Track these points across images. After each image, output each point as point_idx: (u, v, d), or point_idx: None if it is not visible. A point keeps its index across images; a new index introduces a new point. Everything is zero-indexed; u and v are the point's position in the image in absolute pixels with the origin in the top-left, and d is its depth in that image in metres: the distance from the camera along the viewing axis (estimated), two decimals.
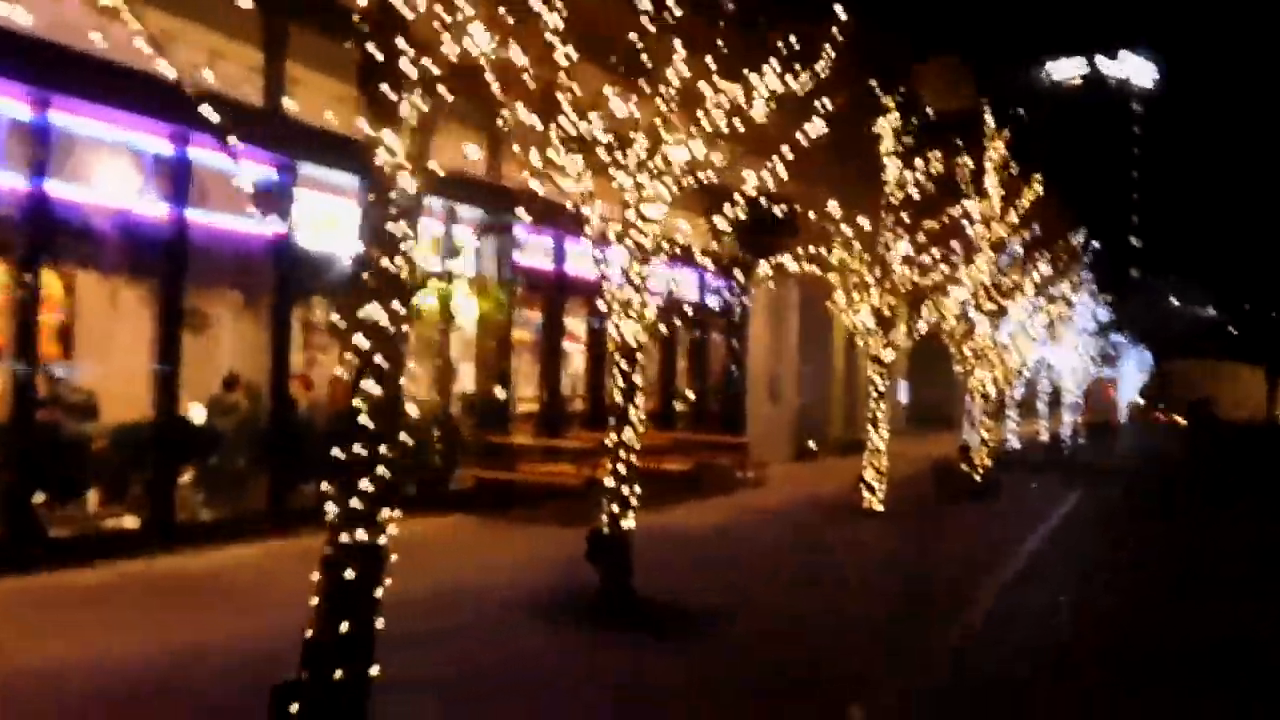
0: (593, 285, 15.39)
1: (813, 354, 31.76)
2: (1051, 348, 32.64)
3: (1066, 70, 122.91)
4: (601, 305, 8.24)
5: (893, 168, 14.41)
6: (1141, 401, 71.26)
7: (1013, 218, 17.90)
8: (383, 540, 4.45)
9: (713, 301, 19.71)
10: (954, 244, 17.02)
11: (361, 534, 4.33)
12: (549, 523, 11.88)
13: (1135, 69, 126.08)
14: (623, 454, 8.12)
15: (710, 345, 20.20)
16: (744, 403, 20.59)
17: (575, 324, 15.67)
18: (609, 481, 8.15)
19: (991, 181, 17.83)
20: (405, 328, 4.47)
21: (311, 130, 9.96)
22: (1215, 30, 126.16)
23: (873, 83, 14.50)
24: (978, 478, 17.59)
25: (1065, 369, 35.48)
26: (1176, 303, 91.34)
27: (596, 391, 15.64)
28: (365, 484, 4.31)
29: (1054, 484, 20.74)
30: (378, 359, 4.38)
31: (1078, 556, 12.59)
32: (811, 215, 14.66)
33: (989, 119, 17.94)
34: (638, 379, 8.22)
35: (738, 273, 19.41)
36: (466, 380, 13.41)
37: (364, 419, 4.34)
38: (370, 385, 4.34)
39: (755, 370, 21.27)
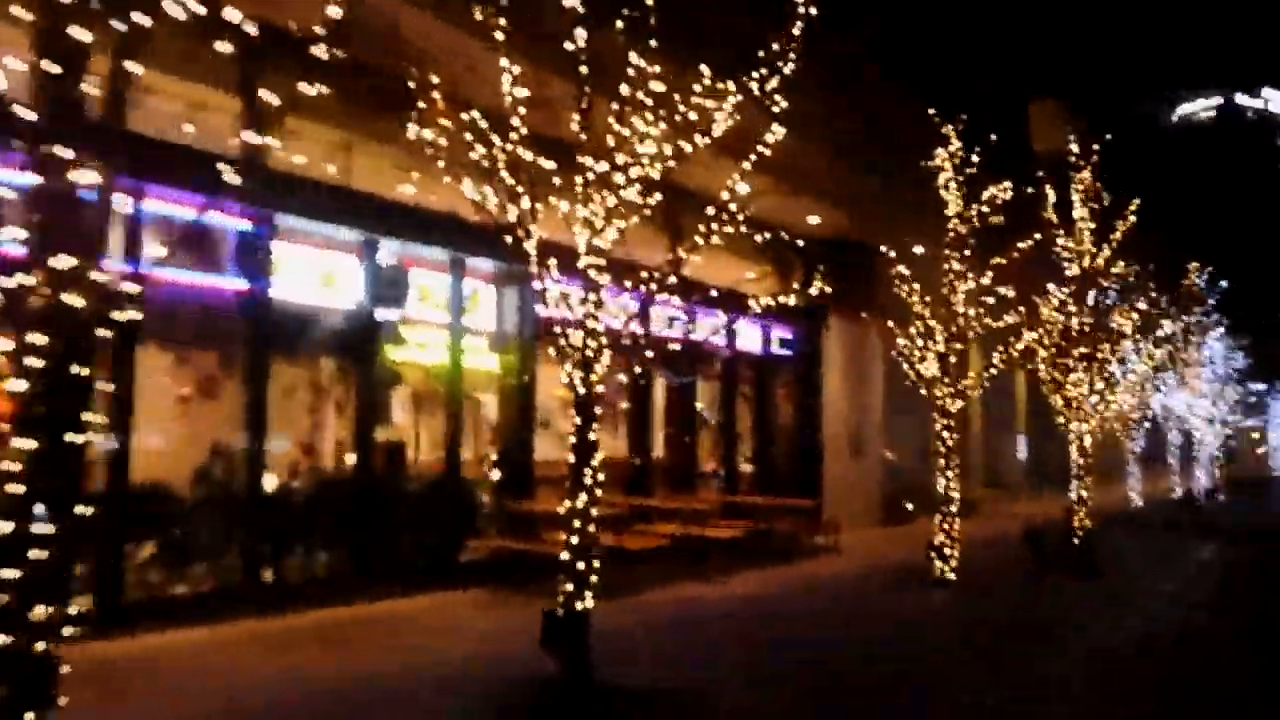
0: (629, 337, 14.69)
1: (912, 406, 30.13)
2: (1182, 396, 30.09)
3: (1197, 105, 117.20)
4: (553, 350, 7.24)
5: (953, 200, 13.11)
6: None
7: (1106, 253, 16.19)
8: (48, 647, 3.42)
9: (778, 350, 18.52)
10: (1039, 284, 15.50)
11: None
12: None
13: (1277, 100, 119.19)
14: (577, 523, 7.05)
15: (777, 399, 18.92)
16: (819, 461, 19.14)
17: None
18: (564, 555, 7.10)
19: (1080, 214, 16.22)
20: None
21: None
22: None
23: (931, 111, 13.31)
24: (1076, 542, 15.73)
25: (1199, 419, 32.62)
26: None
27: (641, 454, 14.61)
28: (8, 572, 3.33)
29: (1174, 550, 18.57)
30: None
31: (1170, 660, 9.63)
32: (883, 253, 13.45)
33: (1074, 147, 16.38)
34: (593, 435, 7.15)
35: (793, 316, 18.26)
36: (487, 444, 12.59)
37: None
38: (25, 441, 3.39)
39: (832, 425, 19.84)
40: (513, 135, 6.83)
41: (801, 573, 13.71)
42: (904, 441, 31.04)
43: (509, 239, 6.97)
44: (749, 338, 17.75)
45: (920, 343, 13.18)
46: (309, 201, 9.68)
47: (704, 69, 7.01)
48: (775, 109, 7.37)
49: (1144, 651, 9.61)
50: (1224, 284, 29.71)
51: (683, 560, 12.62)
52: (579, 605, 7.02)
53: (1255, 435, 55.32)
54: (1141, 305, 17.62)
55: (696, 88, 7.03)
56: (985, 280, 12.97)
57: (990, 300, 13.31)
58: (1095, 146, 16.26)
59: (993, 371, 13.09)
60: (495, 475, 12.02)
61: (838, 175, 17.26)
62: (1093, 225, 16.58)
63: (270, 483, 9.59)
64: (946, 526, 13.01)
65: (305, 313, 9.99)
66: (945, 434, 13.15)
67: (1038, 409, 30.72)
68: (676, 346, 12.26)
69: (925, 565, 13.22)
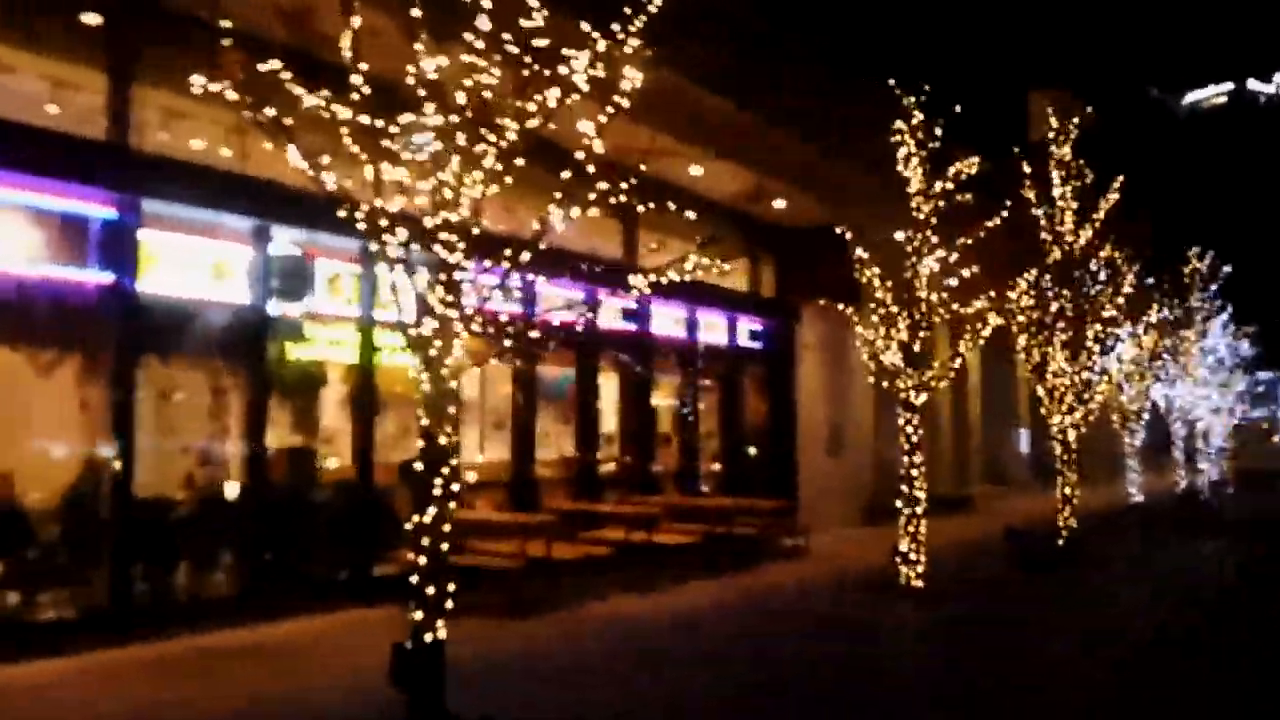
0: (579, 330, 13.76)
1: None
2: (1185, 386, 28.95)
3: (1208, 92, 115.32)
4: (401, 340, 6.35)
5: (915, 177, 12.15)
6: None
7: (1088, 234, 15.22)
8: None
9: (747, 344, 17.57)
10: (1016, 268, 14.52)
11: None
12: (490, 613, 9.94)
13: None
14: (426, 541, 6.15)
15: (747, 395, 17.97)
16: (793, 460, 18.17)
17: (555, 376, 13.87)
18: (413, 579, 6.19)
19: (1060, 192, 15.26)
20: None
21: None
22: None
23: (890, 81, 12.37)
24: (1060, 542, 14.77)
25: (1204, 410, 31.42)
26: None
27: (588, 455, 13.70)
28: None
29: (1168, 547, 17.54)
30: None
31: (1142, 670, 8.71)
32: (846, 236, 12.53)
33: (1053, 121, 15.41)
34: (444, 439, 6.25)
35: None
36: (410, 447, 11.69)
37: None
38: None
39: (808, 422, 18.87)
40: (353, 94, 5.91)
41: (759, 581, 12.75)
42: (896, 436, 30.06)
43: (354, 213, 6.05)
44: (715, 330, 16.81)
45: (882, 330, 12.25)
46: (186, 186, 8.82)
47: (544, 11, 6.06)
48: (639, 52, 6.40)
49: (1118, 665, 8.65)
50: (1227, 269, 28.55)
51: (627, 570, 11.71)
52: (430, 635, 6.10)
53: (1265, 426, 54.02)
54: (1129, 289, 16.53)
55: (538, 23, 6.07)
56: (952, 259, 12.00)
57: (955, 283, 12.36)
58: (1075, 120, 15.28)
59: (958, 362, 12.11)
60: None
61: (812, 159, 16.35)
62: (1075, 205, 15.62)
63: (149, 494, 8.70)
64: (912, 530, 12.04)
65: (186, 308, 9.10)
66: (909, 429, 12.17)
67: (1040, 401, 29.78)
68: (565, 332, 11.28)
69: (896, 571, 12.29)
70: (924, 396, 12.17)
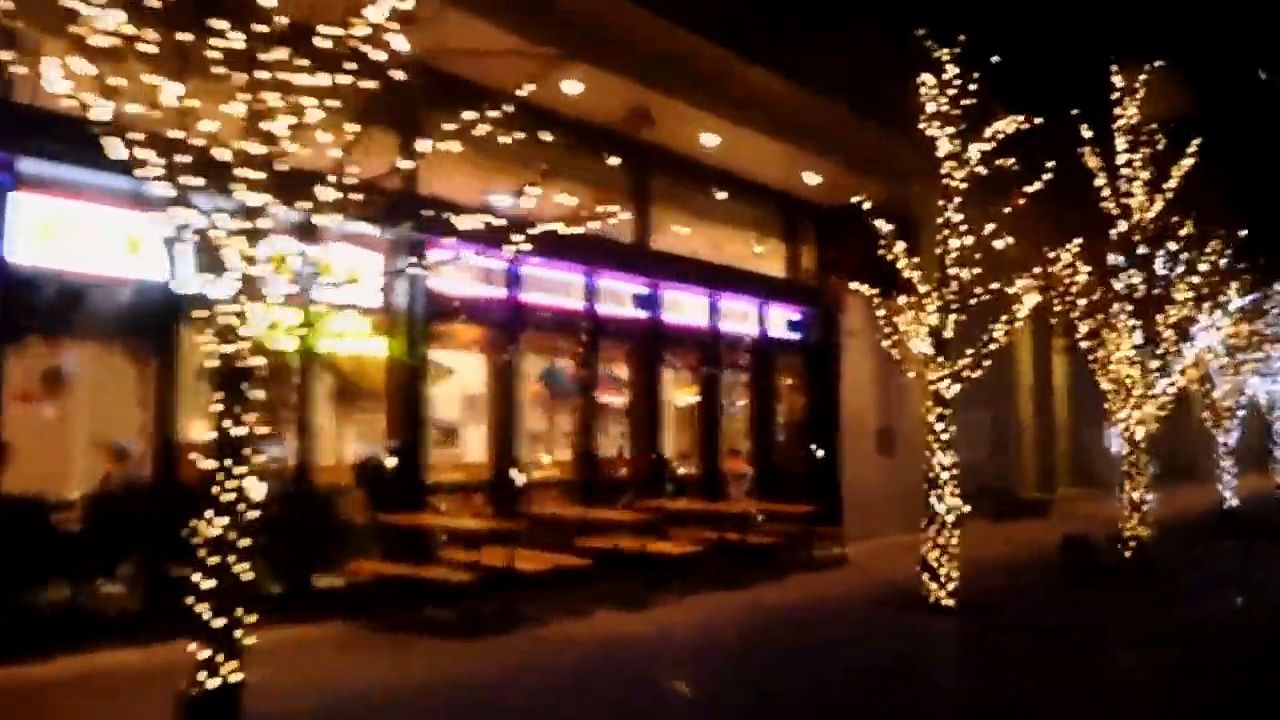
0: (563, 316, 12.55)
1: (984, 396, 27.24)
2: None
3: None
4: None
5: (945, 139, 10.67)
6: None
7: (1159, 204, 13.45)
8: None
9: (784, 334, 16.15)
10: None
11: None
12: (447, 634, 8.84)
13: None
14: (214, 560, 5.00)
15: (784, 390, 16.56)
16: (835, 461, 16.66)
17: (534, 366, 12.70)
18: (201, 610, 5.03)
19: (1125, 159, 13.53)
20: None
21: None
22: None
23: (920, 32, 10.89)
24: (1128, 555, 13.05)
25: None
26: None
27: (587, 456, 12.48)
28: None
29: (1262, 558, 15.59)
30: None
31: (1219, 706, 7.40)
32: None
33: (1116, 80, 13.67)
34: (241, 429, 5.11)
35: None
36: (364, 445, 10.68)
37: None
38: None
39: (854, 418, 17.30)
40: None
41: (774, 596, 11.37)
42: (973, 436, 28.20)
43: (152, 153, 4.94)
44: (744, 318, 15.44)
45: (910, 315, 10.81)
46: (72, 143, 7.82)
47: None
48: None
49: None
50: None
51: (617, 583, 10.48)
52: (220, 680, 4.94)
53: None
54: (1204, 268, 14.61)
55: None
56: (987, 231, 10.48)
57: (989, 258, 10.83)
58: (1141, 77, 13.51)
59: (992, 347, 10.55)
60: (372, 483, 10.04)
61: (864, 132, 14.90)
62: (1145, 175, 13.85)
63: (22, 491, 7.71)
64: (941, 541, 10.55)
65: (82, 282, 8.13)
66: (939, 425, 10.68)
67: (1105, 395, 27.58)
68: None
69: (964, 580, 10.85)
70: (956, 387, 10.68)
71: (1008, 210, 10.48)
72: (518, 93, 6.21)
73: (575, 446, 12.51)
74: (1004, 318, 10.49)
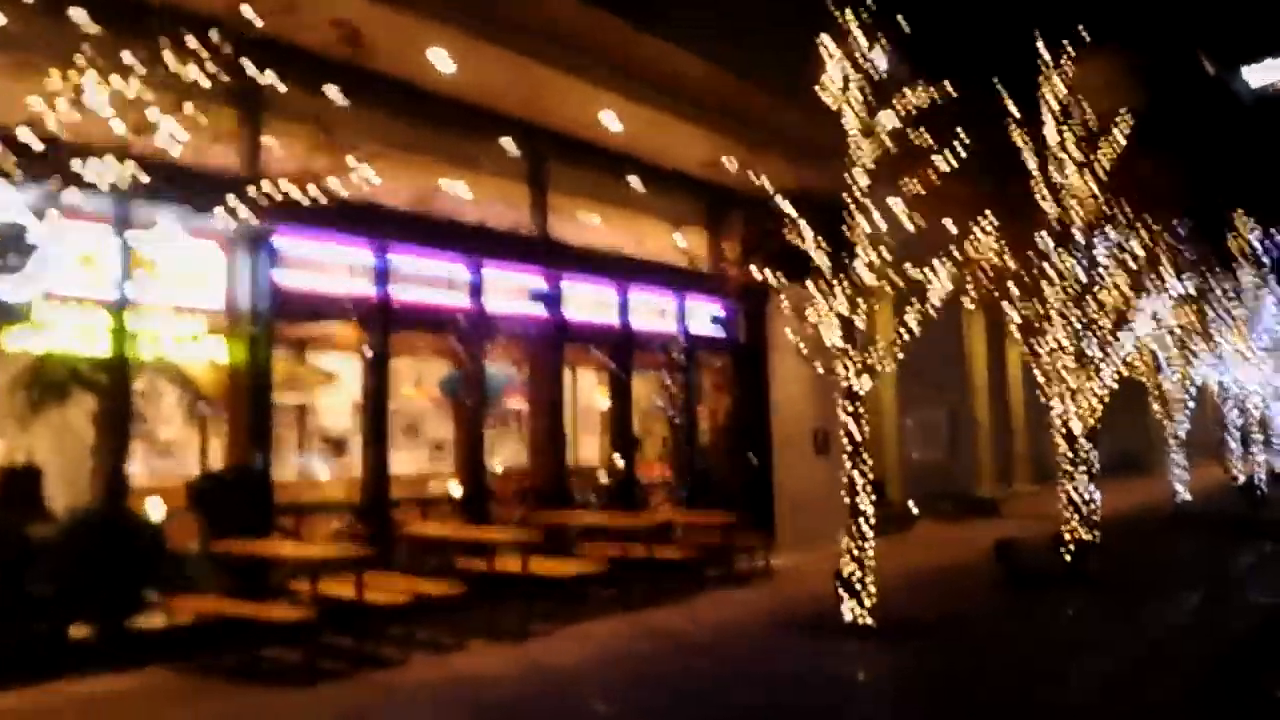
0: (446, 314, 11.42)
1: (934, 396, 26.43)
2: (1239, 369, 25.87)
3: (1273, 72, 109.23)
4: None
5: (852, 111, 9.69)
6: None
7: (1089, 183, 12.56)
8: None
9: (709, 331, 15.12)
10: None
11: None
12: (280, 680, 7.70)
13: None
14: None
15: (705, 390, 15.53)
16: (764, 464, 15.64)
17: (414, 371, 11.61)
18: None
19: (1053, 137, 12.63)
20: None
21: None
22: None
23: None
24: (1067, 558, 12.12)
25: (1263, 395, 28.19)
26: None
27: (476, 468, 11.35)
28: None
29: (1212, 556, 14.74)
30: None
31: None
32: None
33: (1043, 53, 12.78)
34: None
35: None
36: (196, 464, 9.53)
37: None
38: None
39: (787, 419, 16.28)
40: None
41: (680, 618, 10.29)
42: (928, 435, 27.38)
43: None
44: (661, 315, 14.39)
45: (821, 303, 9.82)
46: None
47: None
48: None
49: None
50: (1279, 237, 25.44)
51: (495, 610, 9.39)
52: None
53: None
54: (1141, 251, 13.75)
55: None
56: (898, 210, 9.51)
57: (913, 244, 9.88)
58: (1068, 47, 12.62)
59: (905, 337, 9.58)
60: (211, 507, 8.86)
61: (783, 111, 13.88)
62: (1077, 155, 12.97)
63: None
64: (857, 551, 9.55)
65: None
66: (852, 423, 9.68)
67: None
68: None
69: (885, 593, 9.88)
70: (868, 382, 9.69)
71: (921, 187, 9.50)
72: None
73: (463, 458, 11.38)
74: (917, 305, 9.51)
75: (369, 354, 10.30)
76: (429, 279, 10.97)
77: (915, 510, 20.28)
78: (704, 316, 15.15)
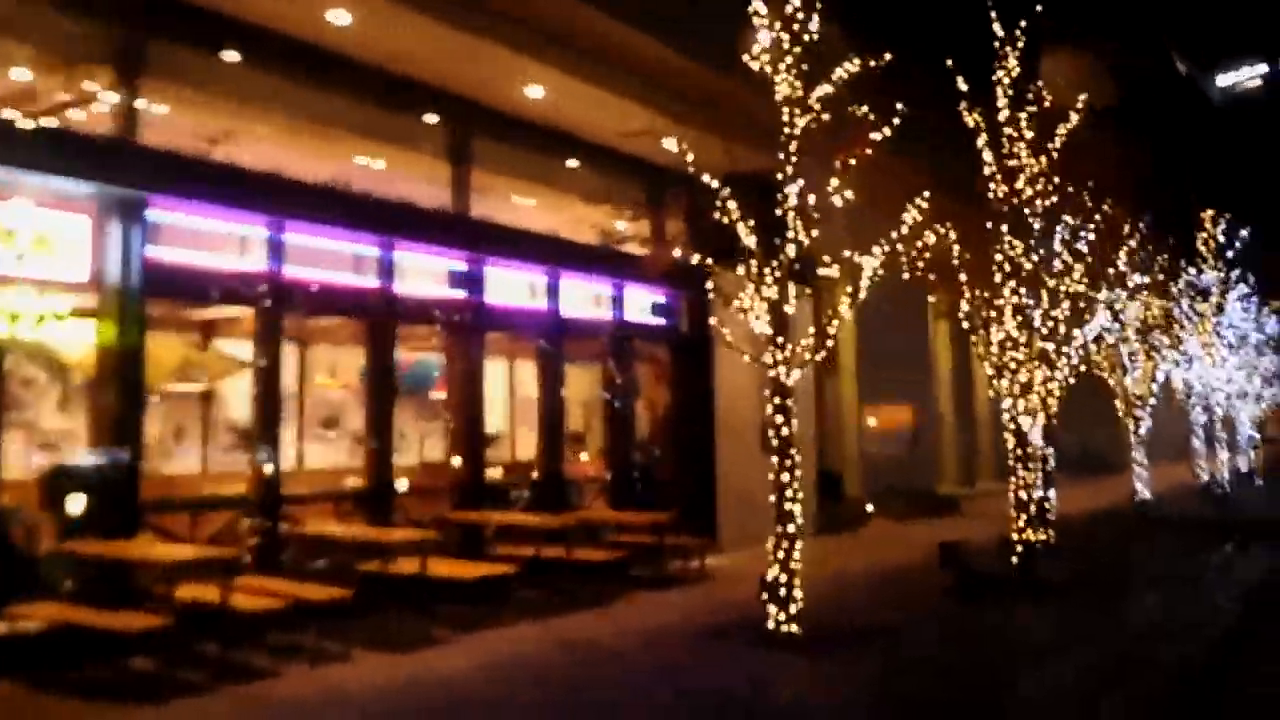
0: (351, 295, 10.63)
1: (898, 392, 25.91)
2: (1203, 368, 25.46)
3: (1241, 74, 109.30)
4: None
5: (785, 82, 8.99)
6: None
7: (1040, 164, 11.92)
8: None
9: (648, 319, 14.40)
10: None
11: None
12: (130, 696, 6.93)
13: None
14: None
15: (646, 385, 14.83)
16: (709, 462, 14.93)
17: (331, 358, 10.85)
18: None
19: (1006, 117, 12.00)
20: None
21: None
22: None
23: None
24: (1015, 563, 11.50)
25: (1227, 395, 27.82)
26: None
27: (382, 463, 10.57)
28: None
29: (1170, 559, 14.18)
30: None
31: None
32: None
33: (997, 29, 12.14)
34: None
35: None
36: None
37: None
38: None
39: (731, 416, 15.59)
40: None
41: (595, 626, 9.54)
42: (886, 430, 26.79)
43: None
44: (595, 302, 13.68)
45: (751, 290, 9.13)
46: None
47: None
48: None
49: None
50: (1244, 234, 25.03)
51: (393, 616, 8.66)
52: None
53: None
54: (1091, 237, 13.13)
55: None
56: (831, 187, 8.82)
57: (854, 228, 9.22)
58: (1022, 23, 11.98)
59: (836, 324, 8.90)
60: (66, 503, 8.05)
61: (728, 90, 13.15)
62: (1030, 136, 12.34)
63: None
64: (783, 556, 8.86)
65: None
66: (779, 419, 9.00)
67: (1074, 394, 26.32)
68: None
69: (819, 598, 9.23)
70: (797, 374, 9.01)
71: (856, 162, 8.82)
72: None
73: (373, 452, 10.60)
74: (849, 290, 8.83)
75: (263, 337, 9.50)
76: (334, 258, 10.18)
77: (870, 508, 19.71)
78: (645, 305, 14.44)
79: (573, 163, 13.59)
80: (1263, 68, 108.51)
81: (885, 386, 24.28)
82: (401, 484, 10.83)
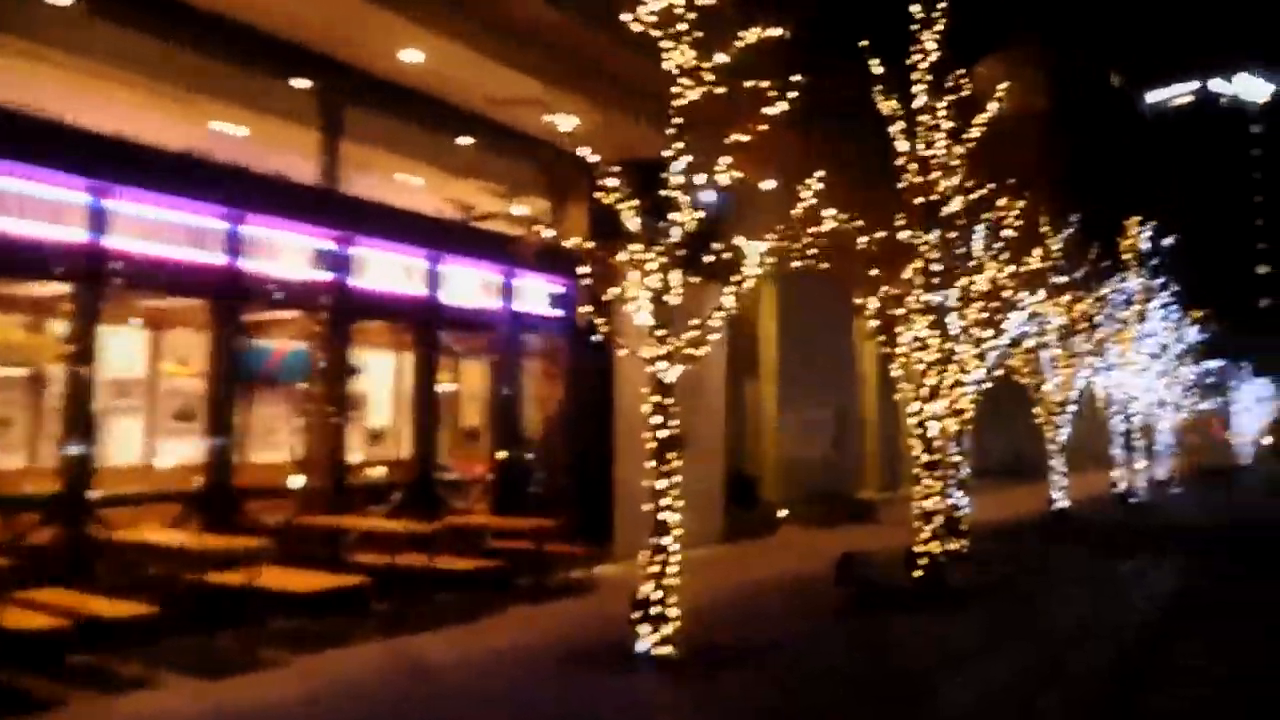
0: (186, 272, 9.53)
1: (820, 393, 25.24)
2: (1123, 375, 25.33)
3: (1173, 91, 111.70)
4: None
5: (677, 51, 8.15)
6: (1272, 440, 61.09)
7: (958, 153, 11.25)
8: None
9: (539, 310, 13.46)
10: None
11: None
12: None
13: (1248, 87, 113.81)
14: None
15: (535, 379, 13.90)
16: (607, 464, 14.02)
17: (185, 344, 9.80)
18: None
19: (922, 103, 11.32)
20: None
21: None
22: None
23: None
24: (917, 575, 10.81)
25: (1147, 403, 27.81)
26: None
27: (219, 461, 9.50)
28: None
29: (1082, 569, 13.72)
30: None
31: None
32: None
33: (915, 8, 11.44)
34: None
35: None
36: None
37: None
38: None
39: (632, 415, 14.61)
40: None
41: (450, 647, 8.56)
42: (811, 433, 26.14)
43: None
44: (488, 290, 12.71)
45: (637, 278, 8.29)
46: None
47: None
48: None
49: None
50: (1168, 241, 24.94)
51: (229, 633, 7.64)
52: None
53: (1218, 420, 50.62)
54: (1010, 233, 12.53)
55: None
56: (722, 167, 8.00)
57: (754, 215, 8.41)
58: (941, 5, 11.29)
59: (720, 316, 8.09)
60: None
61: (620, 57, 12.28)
62: (949, 125, 11.68)
63: None
64: (657, 570, 8.01)
65: None
66: (658, 419, 8.16)
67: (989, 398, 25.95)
68: None
69: (708, 613, 8.40)
70: (677, 369, 8.17)
71: (747, 138, 8.00)
72: None
73: (214, 450, 9.52)
74: (733, 279, 8.01)
75: (80, 316, 8.40)
76: (173, 231, 9.09)
77: (783, 513, 19.00)
78: (541, 295, 13.51)
79: (464, 140, 12.62)
80: (1194, 85, 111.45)
81: (807, 388, 23.65)
82: (252, 485, 9.78)
